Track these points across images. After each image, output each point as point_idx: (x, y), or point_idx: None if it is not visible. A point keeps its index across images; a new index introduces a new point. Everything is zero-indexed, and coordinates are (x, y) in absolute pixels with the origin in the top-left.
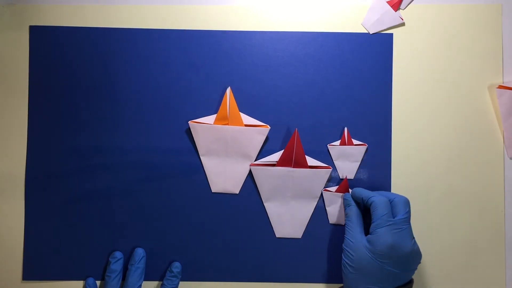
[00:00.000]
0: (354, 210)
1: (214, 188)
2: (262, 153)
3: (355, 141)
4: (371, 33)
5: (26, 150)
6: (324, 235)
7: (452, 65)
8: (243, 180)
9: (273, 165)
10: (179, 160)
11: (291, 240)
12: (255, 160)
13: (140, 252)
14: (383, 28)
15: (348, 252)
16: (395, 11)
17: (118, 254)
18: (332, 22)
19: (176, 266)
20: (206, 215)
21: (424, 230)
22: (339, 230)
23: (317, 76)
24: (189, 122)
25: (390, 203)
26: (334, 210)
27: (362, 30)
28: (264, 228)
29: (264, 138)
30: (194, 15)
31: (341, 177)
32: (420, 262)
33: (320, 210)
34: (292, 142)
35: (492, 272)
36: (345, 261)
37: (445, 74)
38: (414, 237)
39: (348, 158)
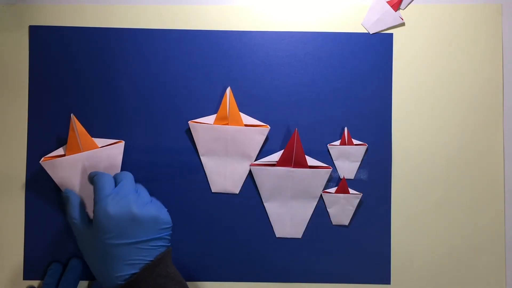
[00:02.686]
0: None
1: (214, 188)
2: (262, 153)
3: (355, 141)
4: (371, 33)
5: (26, 150)
6: (324, 235)
7: (452, 65)
8: (243, 180)
9: (273, 165)
10: (179, 160)
11: (291, 240)
12: (255, 160)
13: (73, 263)
14: (383, 28)
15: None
16: (395, 11)
17: (55, 266)
18: (332, 22)
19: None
20: (206, 215)
21: (424, 230)
22: (339, 230)
23: (317, 76)
24: (189, 122)
25: (114, 178)
26: (336, 211)
27: (362, 30)
28: (264, 228)
29: (264, 138)
30: (194, 15)
31: (341, 177)
32: (166, 228)
33: (320, 210)
34: (292, 142)
35: (492, 272)
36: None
37: (445, 74)
38: (146, 204)
39: (348, 158)
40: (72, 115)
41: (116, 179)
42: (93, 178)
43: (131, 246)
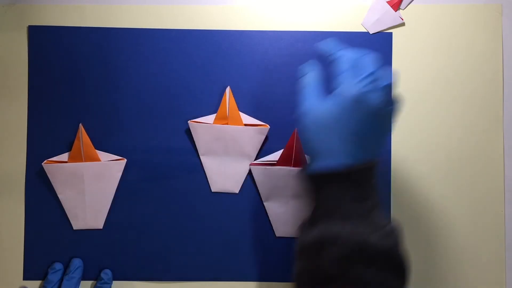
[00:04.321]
0: (313, 75)
1: (214, 188)
2: (261, 153)
3: None
4: (371, 33)
5: (26, 150)
6: None
7: (452, 65)
8: (243, 179)
9: (273, 164)
10: (179, 160)
11: (291, 240)
12: (255, 160)
13: (76, 263)
14: (383, 28)
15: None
16: (395, 11)
17: (57, 266)
18: (332, 21)
19: (106, 273)
20: (206, 215)
21: (424, 230)
22: None
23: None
24: (188, 121)
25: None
26: None
27: (362, 29)
28: (264, 228)
29: (263, 137)
30: (194, 15)
31: None
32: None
33: None
34: (292, 142)
35: (492, 272)
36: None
37: (444, 74)
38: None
39: None
40: (80, 124)
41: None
42: (345, 54)
43: (377, 130)
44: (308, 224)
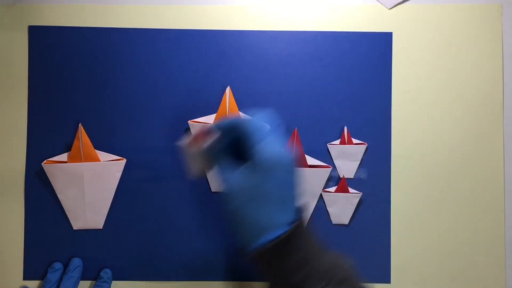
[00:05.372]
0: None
1: (214, 188)
2: None
3: (355, 140)
4: (388, 8)
5: (26, 150)
6: (324, 234)
7: (452, 65)
8: None
9: None
10: (179, 160)
11: None
12: None
13: (75, 262)
14: (400, 1)
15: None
16: None
17: (57, 265)
18: (332, 21)
19: (106, 272)
20: (206, 215)
21: (424, 229)
22: (339, 229)
23: (317, 75)
24: (188, 121)
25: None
26: (336, 211)
27: (362, 29)
28: None
29: None
30: (194, 15)
31: (340, 177)
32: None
33: (320, 209)
34: (292, 141)
35: (492, 272)
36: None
37: (444, 73)
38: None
39: (348, 157)
40: (80, 125)
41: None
42: (237, 122)
43: (294, 188)
44: None
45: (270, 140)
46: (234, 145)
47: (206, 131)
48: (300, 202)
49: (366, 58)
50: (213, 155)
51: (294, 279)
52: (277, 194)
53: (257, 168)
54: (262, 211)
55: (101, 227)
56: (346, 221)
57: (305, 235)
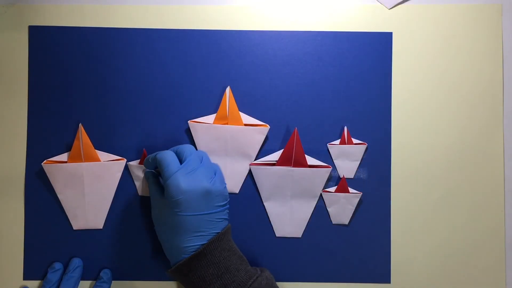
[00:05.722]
0: (152, 183)
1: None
2: (261, 153)
3: (355, 140)
4: (388, 8)
5: (26, 150)
6: (324, 234)
7: (452, 65)
8: (243, 179)
9: (273, 164)
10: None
11: (291, 240)
12: (255, 160)
13: (75, 262)
14: (400, 0)
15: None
16: None
17: (57, 265)
18: (332, 21)
19: (106, 272)
20: None
21: (424, 229)
22: (339, 229)
23: (317, 75)
24: (188, 121)
25: (176, 153)
26: (336, 210)
27: (362, 29)
28: (264, 228)
29: (263, 137)
30: (194, 15)
31: (340, 177)
32: (228, 201)
33: (320, 209)
34: (292, 141)
35: (492, 272)
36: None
37: (444, 73)
38: (212, 177)
39: (348, 157)
40: (80, 125)
41: (179, 154)
42: (156, 157)
43: (201, 218)
44: None
45: (177, 177)
46: (159, 177)
47: (145, 160)
48: (222, 225)
49: (366, 58)
50: (147, 182)
51: None
52: (189, 224)
53: (167, 202)
54: (175, 238)
55: (101, 227)
56: (346, 221)
57: (218, 252)
